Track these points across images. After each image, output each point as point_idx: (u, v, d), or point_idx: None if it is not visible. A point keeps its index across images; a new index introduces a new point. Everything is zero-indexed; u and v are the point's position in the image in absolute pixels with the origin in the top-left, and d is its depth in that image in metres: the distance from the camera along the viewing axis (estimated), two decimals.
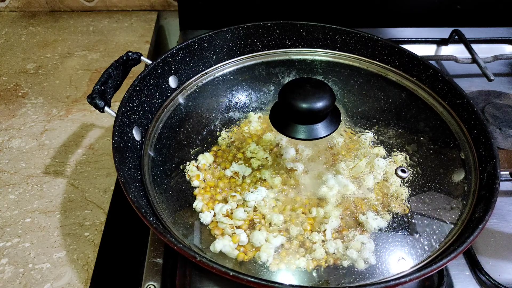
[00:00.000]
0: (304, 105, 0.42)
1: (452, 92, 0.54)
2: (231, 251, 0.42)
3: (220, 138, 0.54)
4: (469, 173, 0.48)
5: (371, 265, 0.41)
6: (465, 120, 0.52)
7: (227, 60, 0.62)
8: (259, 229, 0.44)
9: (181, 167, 0.50)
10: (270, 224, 0.45)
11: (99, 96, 0.49)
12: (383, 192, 0.47)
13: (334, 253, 0.42)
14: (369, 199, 0.46)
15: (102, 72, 0.51)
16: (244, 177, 0.49)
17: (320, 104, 0.42)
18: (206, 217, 0.45)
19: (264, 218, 0.45)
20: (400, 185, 0.48)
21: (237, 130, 0.54)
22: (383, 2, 0.89)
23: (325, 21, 0.62)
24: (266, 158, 0.50)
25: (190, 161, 0.51)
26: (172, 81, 0.57)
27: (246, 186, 0.48)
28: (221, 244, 0.42)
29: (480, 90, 0.74)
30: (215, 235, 0.44)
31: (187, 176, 0.50)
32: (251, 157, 0.50)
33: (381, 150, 0.51)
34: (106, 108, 0.49)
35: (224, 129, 0.55)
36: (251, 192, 0.46)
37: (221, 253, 0.42)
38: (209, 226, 0.45)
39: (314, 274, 0.41)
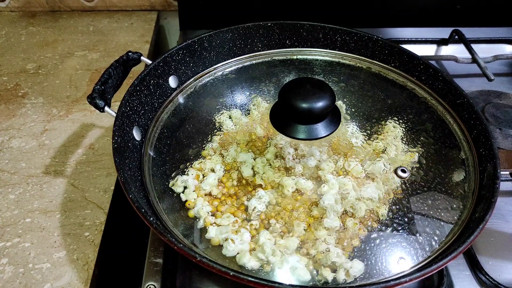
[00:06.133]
0: (304, 105, 0.42)
1: (452, 92, 0.54)
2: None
3: (219, 138, 0.53)
4: (469, 173, 0.48)
5: (371, 265, 0.41)
6: (465, 120, 0.52)
7: (227, 60, 0.62)
8: (259, 229, 0.44)
9: (181, 166, 0.50)
10: (270, 223, 0.45)
11: (99, 96, 0.49)
12: (383, 191, 0.47)
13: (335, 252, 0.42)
14: (369, 199, 0.46)
15: (102, 72, 0.51)
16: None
17: (320, 104, 0.42)
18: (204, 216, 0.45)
19: (264, 217, 0.45)
20: (400, 185, 0.48)
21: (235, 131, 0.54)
22: (383, 2, 0.89)
23: (325, 21, 0.62)
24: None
25: (190, 165, 0.51)
26: (172, 81, 0.57)
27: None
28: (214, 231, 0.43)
29: (480, 90, 0.74)
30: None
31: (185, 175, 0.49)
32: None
33: (381, 149, 0.51)
34: (106, 108, 0.49)
35: (223, 129, 0.54)
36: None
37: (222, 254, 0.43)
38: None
39: (314, 274, 0.41)
